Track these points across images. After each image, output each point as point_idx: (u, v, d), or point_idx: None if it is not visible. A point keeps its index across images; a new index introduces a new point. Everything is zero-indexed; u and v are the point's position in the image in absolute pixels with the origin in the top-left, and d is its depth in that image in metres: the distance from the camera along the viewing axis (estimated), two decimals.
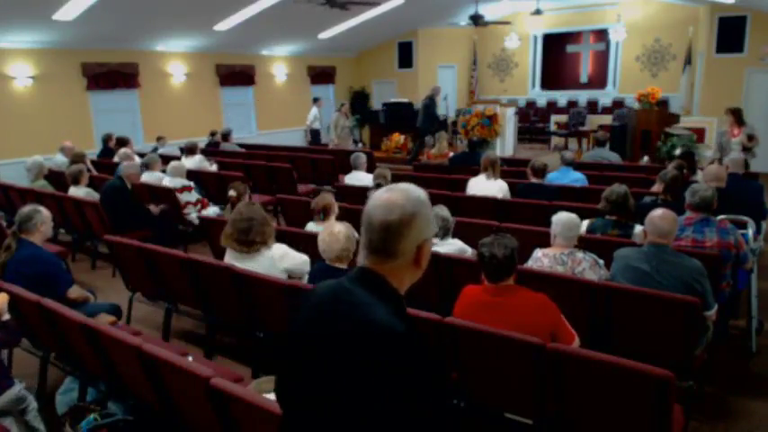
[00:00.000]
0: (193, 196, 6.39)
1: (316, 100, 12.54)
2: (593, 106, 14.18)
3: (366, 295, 1.20)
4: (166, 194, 6.24)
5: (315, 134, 12.54)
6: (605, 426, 2.41)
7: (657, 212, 3.12)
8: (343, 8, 9.54)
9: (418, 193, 1.26)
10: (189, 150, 8.20)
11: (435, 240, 3.93)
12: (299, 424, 1.26)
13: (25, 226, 3.61)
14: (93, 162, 7.94)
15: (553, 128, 13.89)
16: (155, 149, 8.77)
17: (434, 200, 4.81)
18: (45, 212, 3.69)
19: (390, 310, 1.17)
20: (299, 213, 5.47)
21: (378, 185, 5.34)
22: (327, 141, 12.14)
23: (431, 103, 10.74)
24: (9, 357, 3.76)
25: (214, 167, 7.98)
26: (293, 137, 13.65)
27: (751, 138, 6.78)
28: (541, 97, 15.17)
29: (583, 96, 14.60)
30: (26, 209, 3.66)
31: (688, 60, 11.95)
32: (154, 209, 6.14)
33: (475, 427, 2.92)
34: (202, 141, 9.58)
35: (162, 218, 6.14)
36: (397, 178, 6.01)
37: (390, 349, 1.11)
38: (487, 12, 12.86)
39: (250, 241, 3.60)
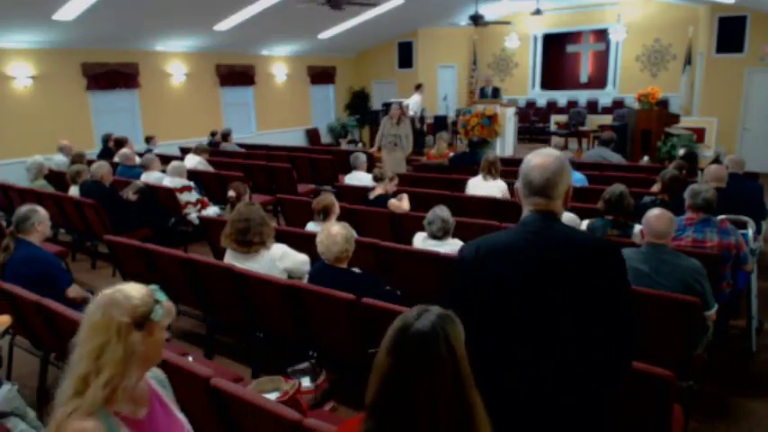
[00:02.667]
0: (193, 196, 6.38)
1: (419, 86, 12.28)
2: (592, 106, 14.17)
3: (564, 226, 1.65)
4: (166, 194, 6.24)
5: (420, 121, 12.44)
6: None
7: (654, 213, 3.11)
8: (341, 9, 9.52)
9: (557, 151, 1.72)
10: (195, 150, 8.25)
11: (435, 240, 3.93)
12: (533, 345, 1.57)
13: (23, 226, 3.60)
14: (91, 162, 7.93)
15: (553, 128, 13.88)
16: (148, 151, 8.75)
17: (434, 200, 4.80)
18: (42, 212, 3.67)
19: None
20: (299, 213, 5.47)
21: (376, 178, 5.44)
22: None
23: (482, 93, 12.00)
24: (9, 357, 3.76)
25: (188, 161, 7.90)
26: (293, 137, 13.66)
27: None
28: (541, 97, 15.15)
29: (583, 96, 14.58)
30: (23, 209, 3.65)
31: (688, 60, 11.93)
32: (131, 196, 6.12)
33: None
34: (202, 142, 9.56)
35: (148, 205, 6.13)
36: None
37: (619, 256, 1.61)
38: (487, 12, 12.85)
39: (248, 241, 3.60)
